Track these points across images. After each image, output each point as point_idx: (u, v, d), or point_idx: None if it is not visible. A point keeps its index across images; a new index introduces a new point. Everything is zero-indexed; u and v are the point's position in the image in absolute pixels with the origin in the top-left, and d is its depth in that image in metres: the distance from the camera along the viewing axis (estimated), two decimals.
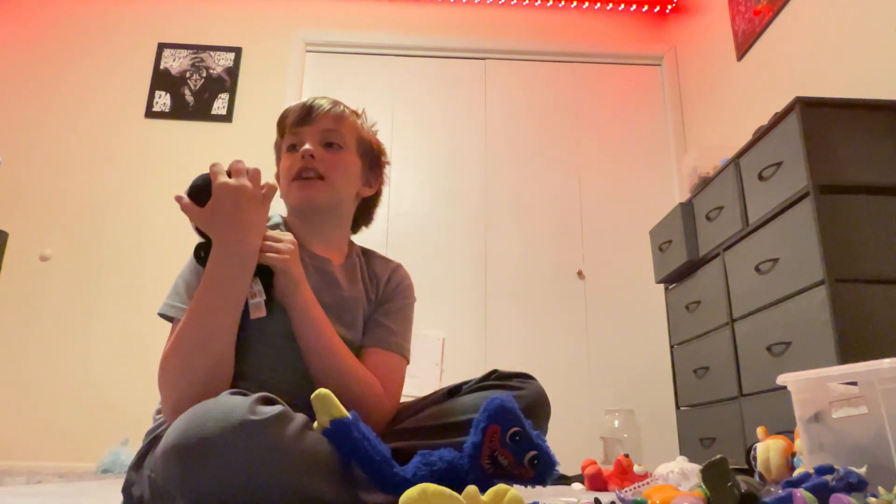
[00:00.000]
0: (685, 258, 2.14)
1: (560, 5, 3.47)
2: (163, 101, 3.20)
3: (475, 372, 1.09)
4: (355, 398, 0.92)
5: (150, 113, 3.18)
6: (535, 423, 0.78)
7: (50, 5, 3.33)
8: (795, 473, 1.02)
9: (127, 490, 0.89)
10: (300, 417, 0.73)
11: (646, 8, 3.46)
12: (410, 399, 1.08)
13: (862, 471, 0.77)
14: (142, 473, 0.87)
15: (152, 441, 0.90)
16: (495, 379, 1.03)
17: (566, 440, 2.29)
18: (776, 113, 1.70)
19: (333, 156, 1.06)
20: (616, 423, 2.54)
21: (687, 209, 2.19)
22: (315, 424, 0.73)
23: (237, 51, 3.29)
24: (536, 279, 3.05)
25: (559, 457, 0.77)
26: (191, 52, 3.28)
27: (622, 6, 3.46)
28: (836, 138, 1.57)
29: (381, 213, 1.23)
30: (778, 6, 2.40)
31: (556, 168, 3.23)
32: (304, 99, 1.10)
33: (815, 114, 1.58)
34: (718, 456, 0.70)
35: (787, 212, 1.61)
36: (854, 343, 1.39)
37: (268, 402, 0.73)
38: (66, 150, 3.11)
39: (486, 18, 3.42)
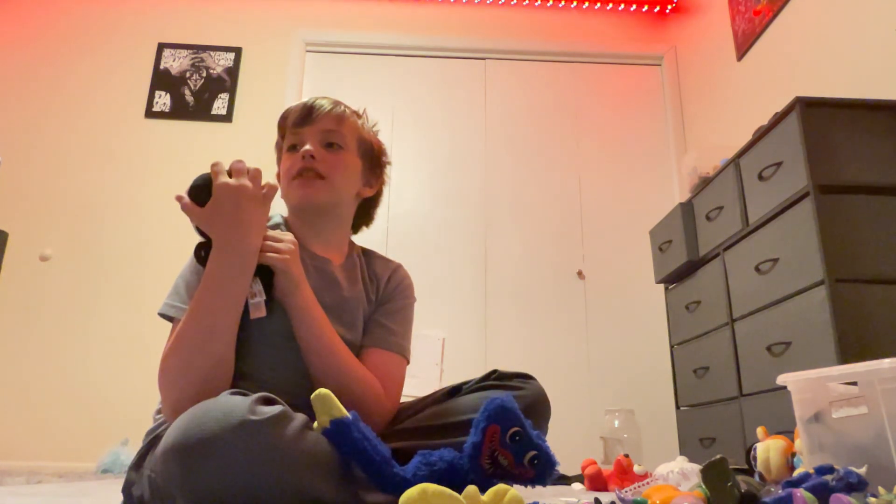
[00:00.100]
0: (685, 258, 2.14)
1: (560, 5, 3.47)
2: (163, 101, 3.20)
3: (475, 372, 1.09)
4: (355, 398, 0.92)
5: (150, 113, 3.18)
6: (535, 423, 0.78)
7: (50, 5, 3.33)
8: (795, 473, 1.02)
9: (127, 490, 0.89)
10: (300, 417, 0.73)
11: (646, 8, 3.46)
12: (410, 399, 1.08)
13: (862, 471, 0.77)
14: (142, 473, 0.87)
15: (152, 441, 0.90)
16: (495, 379, 1.03)
17: (566, 440, 2.29)
18: (776, 113, 1.70)
19: (334, 156, 1.06)
20: (616, 423, 2.54)
21: (687, 209, 2.19)
22: (315, 424, 0.73)
23: (237, 51, 3.29)
24: (536, 279, 3.05)
25: (559, 457, 0.77)
26: (191, 52, 3.28)
27: (622, 6, 3.46)
28: (836, 138, 1.57)
29: (381, 213, 1.23)
30: (778, 6, 2.40)
31: (556, 168, 3.23)
32: (304, 99, 1.10)
33: (815, 114, 1.58)
34: (718, 456, 0.70)
35: (787, 212, 1.61)
36: (854, 343, 1.39)
37: (268, 402, 0.73)
38: (66, 150, 3.11)
39: (486, 18, 3.43)
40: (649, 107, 3.35)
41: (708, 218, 2.04)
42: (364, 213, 1.19)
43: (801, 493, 0.69)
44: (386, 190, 1.21)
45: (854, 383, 0.92)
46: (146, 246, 2.97)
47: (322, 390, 0.73)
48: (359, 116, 1.15)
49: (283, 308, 0.93)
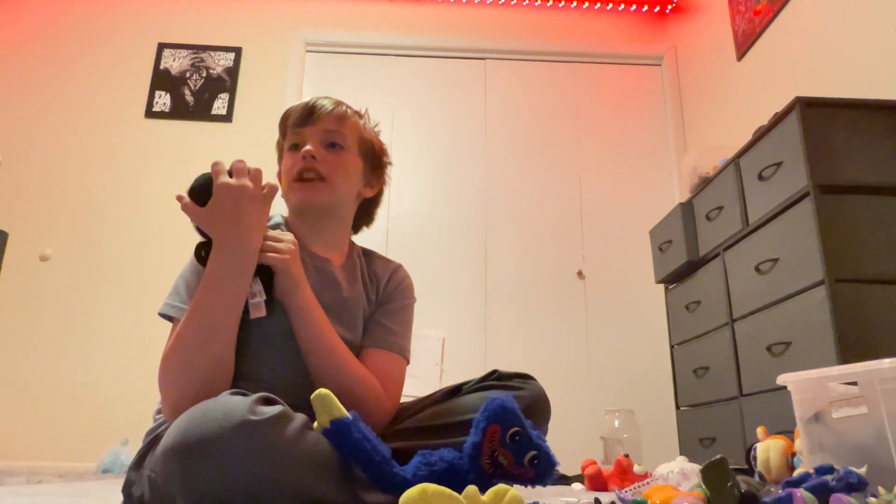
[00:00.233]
0: (685, 258, 2.14)
1: (560, 5, 3.47)
2: (163, 101, 3.20)
3: (475, 372, 1.09)
4: (355, 398, 0.92)
5: (150, 113, 3.18)
6: (535, 423, 0.78)
7: (50, 5, 3.33)
8: (795, 473, 1.02)
9: (127, 490, 0.89)
10: (300, 417, 0.73)
11: (646, 8, 3.46)
12: (410, 399, 1.08)
13: (862, 471, 0.77)
14: (142, 473, 0.87)
15: (152, 441, 0.90)
16: (495, 379, 1.03)
17: (566, 440, 2.30)
18: (776, 113, 1.70)
19: (335, 157, 1.06)
20: (616, 423, 2.54)
21: (687, 209, 2.19)
22: (315, 424, 0.73)
23: (237, 51, 3.29)
24: (536, 279, 3.05)
25: (559, 457, 0.77)
26: (191, 52, 3.28)
27: (622, 6, 3.46)
28: (836, 138, 1.57)
29: (381, 213, 1.23)
30: (778, 6, 2.40)
31: (556, 168, 3.23)
32: (306, 99, 1.10)
33: (815, 114, 1.58)
34: (718, 456, 0.70)
35: (787, 212, 1.61)
36: (854, 343, 1.39)
37: (268, 402, 0.73)
38: (66, 150, 3.11)
39: (486, 18, 3.43)
40: (649, 107, 3.35)
41: (708, 218, 2.04)
42: (365, 213, 1.19)
43: (801, 493, 0.69)
44: (386, 190, 1.21)
45: (854, 383, 0.92)
46: (146, 246, 2.97)
47: (322, 390, 0.73)
48: (360, 116, 1.15)
49: (283, 308, 0.93)
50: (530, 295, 3.03)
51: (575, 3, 3.46)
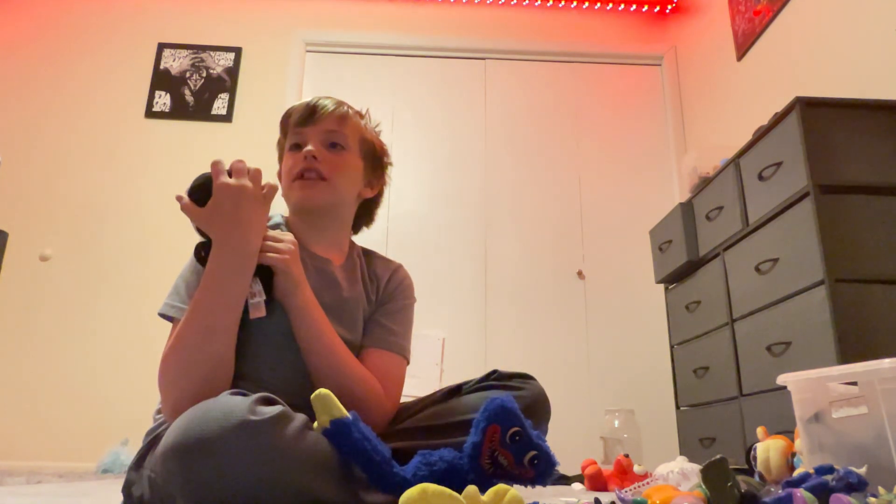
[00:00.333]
0: (685, 258, 2.14)
1: (560, 5, 3.47)
2: (163, 101, 3.20)
3: (475, 372, 1.09)
4: (355, 398, 0.92)
5: (150, 113, 3.18)
6: (535, 424, 0.78)
7: (50, 5, 3.33)
8: (795, 473, 1.02)
9: (127, 490, 0.89)
10: (300, 417, 0.73)
11: (646, 8, 3.46)
12: (410, 399, 1.08)
13: (862, 471, 0.77)
14: (142, 473, 0.87)
15: (152, 441, 0.90)
16: (495, 379, 1.03)
17: (566, 440, 2.30)
18: (776, 113, 1.70)
19: (336, 157, 1.06)
20: (616, 423, 2.54)
21: (687, 209, 2.19)
22: (315, 424, 0.73)
23: (237, 51, 3.29)
24: (536, 279, 3.05)
25: (559, 457, 0.77)
26: (191, 52, 3.28)
27: (622, 6, 3.46)
28: (836, 138, 1.57)
29: (381, 213, 1.23)
30: (778, 6, 2.40)
31: (556, 168, 3.23)
32: (307, 98, 1.10)
33: (815, 114, 1.58)
34: (718, 456, 0.70)
35: (787, 212, 1.61)
36: (854, 343, 1.39)
37: (268, 402, 0.73)
38: (66, 150, 3.11)
39: (486, 18, 3.43)
40: (649, 107, 3.35)
41: (708, 218, 2.04)
42: (365, 213, 1.19)
43: (801, 493, 0.69)
44: (386, 190, 1.21)
45: (854, 383, 0.92)
46: (146, 246, 2.97)
47: (322, 390, 0.73)
48: (361, 117, 1.15)
49: (283, 308, 0.93)
50: (530, 295, 3.03)
51: (575, 3, 3.46)
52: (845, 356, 1.37)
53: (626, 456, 1.69)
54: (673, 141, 3.24)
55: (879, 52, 1.88)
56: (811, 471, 0.80)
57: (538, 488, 0.92)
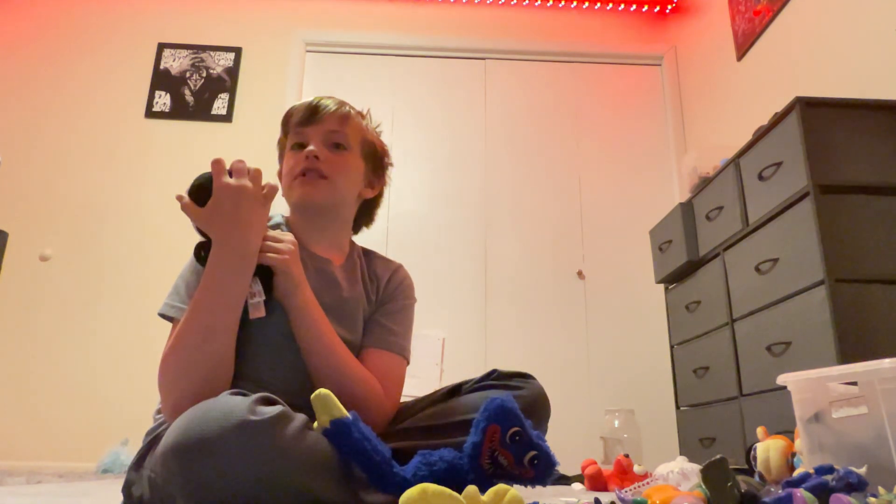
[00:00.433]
0: (685, 258, 2.14)
1: (560, 5, 3.47)
2: (163, 101, 3.20)
3: (475, 372, 1.09)
4: (355, 398, 0.92)
5: (150, 113, 3.18)
6: (535, 423, 0.78)
7: (50, 5, 3.33)
8: (795, 473, 1.02)
9: (127, 490, 0.89)
10: (300, 417, 0.73)
11: (646, 8, 3.46)
12: (410, 399, 1.07)
13: (862, 471, 0.77)
14: (142, 473, 0.87)
15: (152, 441, 0.90)
16: (495, 379, 1.03)
17: (566, 440, 2.30)
18: (776, 113, 1.70)
19: (337, 157, 1.06)
20: (616, 423, 2.54)
21: (687, 209, 2.19)
22: (315, 424, 0.73)
23: (237, 51, 3.29)
24: (536, 279, 3.05)
25: (559, 457, 0.77)
26: (191, 52, 3.28)
27: (622, 6, 3.46)
28: (836, 138, 1.57)
29: (381, 212, 1.23)
30: (778, 6, 2.40)
31: (556, 168, 3.23)
32: (309, 98, 1.10)
33: (815, 114, 1.58)
34: (718, 456, 0.70)
35: (787, 212, 1.61)
36: (854, 343, 1.39)
37: (268, 402, 0.73)
38: (66, 150, 3.11)
39: (486, 18, 3.43)
40: (649, 107, 3.35)
41: (708, 218, 2.04)
42: (365, 213, 1.19)
43: (801, 493, 0.69)
44: (386, 190, 1.21)
45: (854, 383, 0.92)
46: (146, 246, 2.97)
47: (322, 390, 0.73)
48: (363, 117, 1.15)
49: (283, 308, 0.93)
50: (530, 295, 3.03)
51: (575, 3, 3.46)
52: (845, 356, 1.37)
53: (626, 456, 1.69)
54: (673, 141, 3.24)
55: (879, 52, 1.88)
56: (811, 471, 0.80)
57: (538, 488, 0.92)
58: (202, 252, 0.89)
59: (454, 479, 0.71)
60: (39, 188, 3.04)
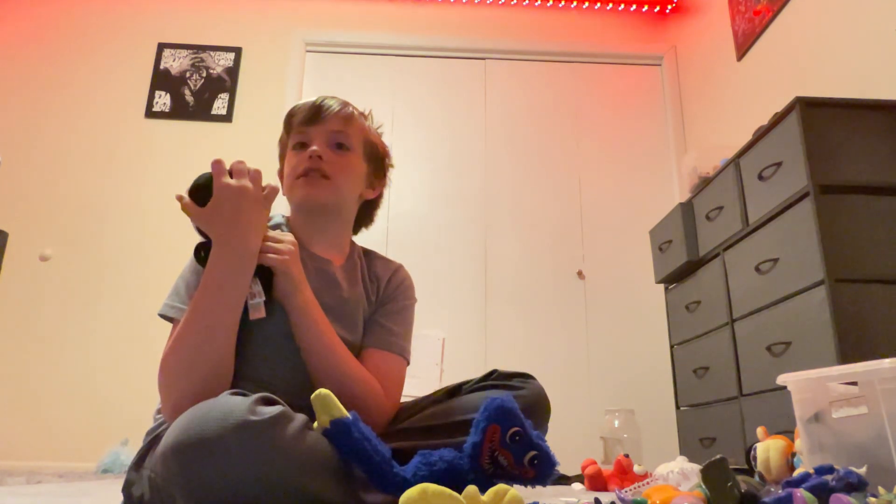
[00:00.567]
0: (685, 258, 2.14)
1: (560, 5, 3.47)
2: (163, 101, 3.20)
3: (475, 372, 1.09)
4: (355, 398, 0.92)
5: (150, 113, 3.18)
6: (535, 423, 0.78)
7: (50, 5, 3.33)
8: (795, 473, 1.02)
9: (127, 490, 0.89)
10: (300, 418, 0.73)
11: (646, 8, 3.46)
12: (410, 399, 1.07)
13: (862, 471, 0.77)
14: (142, 473, 0.87)
15: (152, 441, 0.90)
16: (495, 379, 1.03)
17: (566, 440, 2.29)
18: (776, 113, 1.70)
19: (340, 158, 1.06)
20: (616, 423, 2.54)
21: (687, 209, 2.19)
22: (315, 424, 0.73)
23: (237, 51, 3.29)
24: (536, 279, 3.05)
25: (559, 457, 0.77)
26: (191, 52, 3.28)
27: (622, 6, 3.46)
28: (836, 138, 1.57)
29: (381, 213, 1.23)
30: (778, 6, 2.40)
31: (556, 168, 3.23)
32: (312, 98, 1.10)
33: (815, 114, 1.58)
34: (718, 456, 0.70)
35: (787, 212, 1.61)
36: (854, 343, 1.39)
37: (268, 402, 0.73)
38: (66, 150, 3.11)
39: (486, 18, 3.43)
40: (649, 107, 3.35)
41: (708, 218, 2.04)
42: (365, 214, 1.19)
43: (801, 493, 0.69)
44: (386, 190, 1.21)
45: (854, 383, 0.92)
46: (146, 246, 2.97)
47: (322, 390, 0.73)
48: (365, 118, 1.15)
49: (283, 309, 0.93)
50: (530, 295, 3.03)
51: (575, 3, 3.46)
52: (845, 356, 1.37)
53: (626, 456, 1.69)
54: (673, 141, 3.24)
55: (879, 52, 1.88)
56: (811, 471, 0.80)
57: (538, 488, 0.92)
58: (202, 252, 0.89)
59: (454, 479, 0.71)
60: (39, 188, 3.04)
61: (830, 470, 0.77)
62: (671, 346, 2.32)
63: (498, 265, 3.07)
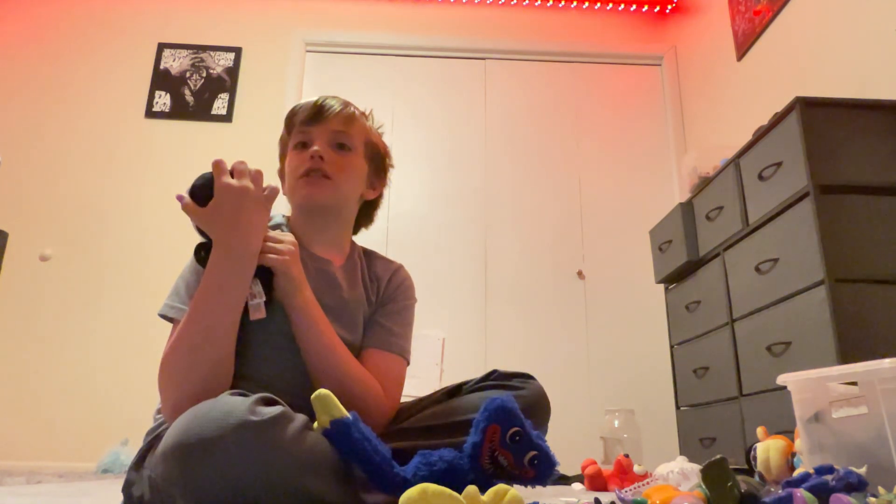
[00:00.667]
0: (685, 258, 2.14)
1: (560, 5, 3.47)
2: (163, 101, 3.20)
3: (475, 372, 1.09)
4: (355, 399, 0.92)
5: (150, 113, 3.18)
6: (535, 423, 0.78)
7: (50, 5, 3.33)
8: (795, 473, 1.02)
9: (127, 490, 0.89)
10: (300, 418, 0.73)
11: (646, 8, 3.46)
12: (410, 399, 1.08)
13: (862, 471, 0.77)
14: (142, 473, 0.87)
15: (152, 441, 0.90)
16: (495, 379, 1.03)
17: (566, 440, 2.29)
18: (776, 113, 1.70)
19: (342, 158, 1.06)
20: (616, 423, 2.54)
21: (687, 209, 2.19)
22: (315, 424, 0.73)
23: (237, 51, 3.29)
24: (536, 279, 3.05)
25: (559, 457, 0.77)
26: (191, 52, 3.28)
27: (622, 6, 3.46)
28: (836, 138, 1.57)
29: (381, 213, 1.23)
30: (778, 6, 2.40)
31: (556, 168, 3.23)
32: (313, 97, 1.09)
33: (815, 114, 1.58)
34: (718, 456, 0.70)
35: (787, 212, 1.61)
36: (854, 343, 1.39)
37: (268, 402, 0.73)
38: (66, 150, 3.11)
39: (486, 18, 3.43)
40: (649, 107, 3.35)
41: (708, 218, 2.04)
42: (365, 214, 1.19)
43: (801, 493, 0.69)
44: (386, 190, 1.21)
45: (854, 383, 0.92)
46: (146, 246, 2.97)
47: (322, 391, 0.73)
48: (366, 118, 1.15)
49: (284, 309, 0.93)
50: (530, 295, 3.03)
51: (575, 3, 3.46)
52: (845, 356, 1.37)
53: (626, 456, 1.69)
54: (673, 141, 3.24)
55: (879, 52, 1.88)
56: (811, 471, 0.80)
57: (538, 488, 0.92)
58: (202, 252, 0.88)
59: (454, 479, 0.71)
60: (39, 188, 3.04)
61: (830, 470, 0.77)
62: (671, 346, 2.32)
63: (498, 265, 3.07)
